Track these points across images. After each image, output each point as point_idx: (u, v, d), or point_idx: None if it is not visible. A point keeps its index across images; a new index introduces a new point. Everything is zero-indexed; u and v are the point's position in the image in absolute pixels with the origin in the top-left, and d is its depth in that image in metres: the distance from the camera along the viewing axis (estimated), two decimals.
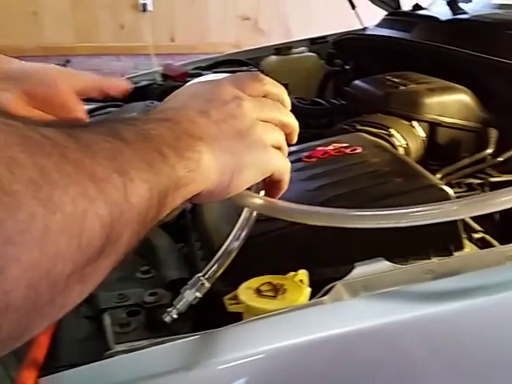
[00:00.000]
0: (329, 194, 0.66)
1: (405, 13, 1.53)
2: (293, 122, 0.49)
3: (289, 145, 0.50)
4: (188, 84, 0.48)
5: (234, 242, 0.51)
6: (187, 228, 0.76)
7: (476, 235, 0.69)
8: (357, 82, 1.12)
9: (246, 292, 0.55)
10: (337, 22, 2.62)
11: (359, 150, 0.77)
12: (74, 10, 3.57)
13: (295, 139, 0.50)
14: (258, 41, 3.47)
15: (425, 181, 0.67)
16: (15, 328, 0.25)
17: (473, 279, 0.55)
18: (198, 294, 0.52)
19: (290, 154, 0.80)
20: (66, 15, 3.58)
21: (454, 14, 1.31)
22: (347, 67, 1.48)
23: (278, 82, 0.51)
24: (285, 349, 0.49)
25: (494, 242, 0.69)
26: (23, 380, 0.46)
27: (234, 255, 0.51)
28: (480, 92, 1.00)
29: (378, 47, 1.39)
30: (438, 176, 0.83)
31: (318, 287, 0.56)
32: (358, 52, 1.46)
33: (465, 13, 1.30)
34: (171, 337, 0.51)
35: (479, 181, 0.87)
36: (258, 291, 0.55)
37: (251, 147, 0.43)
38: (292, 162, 0.76)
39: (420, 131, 0.95)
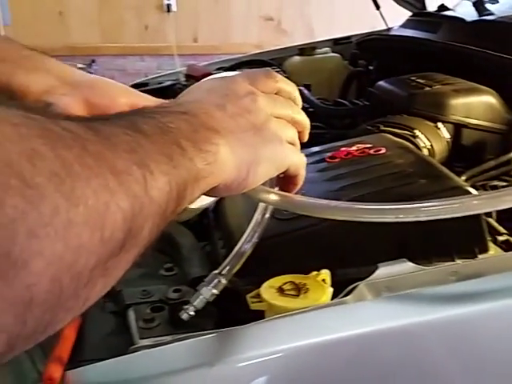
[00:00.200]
0: (352, 194, 0.66)
1: (430, 13, 1.52)
2: (304, 120, 0.49)
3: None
4: (203, 80, 0.48)
5: (250, 237, 0.51)
6: (210, 227, 0.77)
7: (501, 238, 0.68)
8: (381, 82, 1.11)
9: (268, 290, 0.55)
10: (360, 22, 2.62)
11: (383, 150, 0.76)
12: (99, 10, 3.62)
13: (306, 137, 0.50)
14: (281, 41, 3.47)
15: (450, 182, 0.67)
16: (39, 322, 0.25)
17: (496, 282, 0.54)
18: (215, 291, 0.52)
19: (313, 154, 0.81)
20: (92, 16, 3.62)
21: (480, 14, 1.30)
22: (371, 68, 1.48)
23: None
24: (306, 348, 0.49)
25: None
26: (50, 373, 0.47)
27: (250, 251, 0.51)
28: (506, 93, 0.99)
29: (402, 48, 1.38)
30: (463, 178, 0.83)
31: (341, 287, 0.56)
32: (382, 52, 1.45)
33: (491, 14, 1.29)
34: (194, 333, 0.51)
35: (504, 183, 0.86)
36: (281, 290, 0.55)
37: (267, 142, 0.43)
38: (315, 163, 0.78)
39: (445, 132, 0.94)
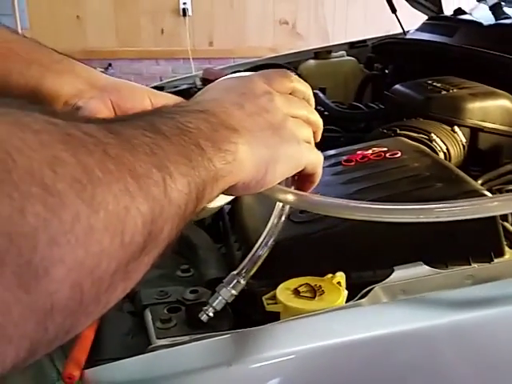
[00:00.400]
0: (368, 197, 0.66)
1: (446, 17, 1.51)
2: (318, 120, 0.49)
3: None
4: (219, 80, 0.48)
5: (267, 238, 0.51)
6: (226, 229, 0.77)
7: None
8: (397, 86, 1.11)
9: (284, 292, 0.55)
10: (375, 26, 2.61)
11: (399, 154, 0.76)
12: (116, 14, 3.65)
13: (319, 138, 0.51)
14: (296, 45, 3.48)
15: (466, 186, 0.66)
16: (61, 328, 0.25)
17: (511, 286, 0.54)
18: (234, 292, 0.52)
19: (329, 157, 0.81)
20: (109, 20, 3.66)
21: (497, 18, 1.29)
22: (386, 71, 1.48)
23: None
24: (320, 350, 0.50)
25: None
26: (70, 371, 0.48)
27: (268, 252, 0.51)
28: None
29: (418, 51, 1.38)
30: (479, 182, 0.82)
31: (356, 290, 0.56)
32: (398, 56, 1.45)
33: (508, 17, 1.28)
34: (210, 333, 0.52)
35: None
36: (297, 292, 0.55)
37: (284, 141, 0.43)
38: (331, 166, 0.78)
39: (461, 136, 0.94)
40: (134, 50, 3.68)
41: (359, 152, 0.79)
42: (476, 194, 0.65)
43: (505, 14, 1.30)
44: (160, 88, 1.53)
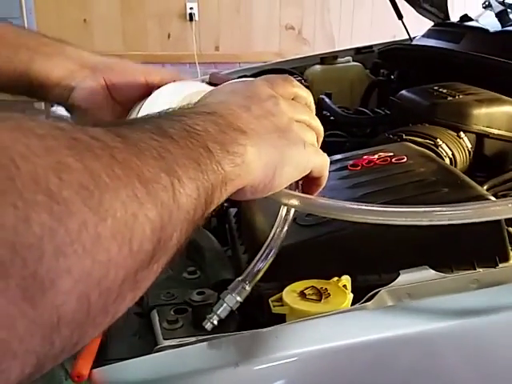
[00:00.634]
0: (374, 202, 0.66)
1: (452, 24, 1.52)
2: (320, 126, 0.49)
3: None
4: (224, 84, 0.48)
5: (273, 243, 0.52)
6: (232, 231, 0.78)
7: None
8: (403, 92, 1.12)
9: (290, 295, 0.56)
10: (381, 31, 2.62)
11: (405, 159, 0.77)
12: (123, 19, 3.67)
13: (319, 144, 0.50)
14: (302, 50, 3.49)
15: (472, 191, 0.67)
16: (68, 341, 0.24)
17: None
18: (239, 299, 0.52)
19: (336, 161, 0.82)
20: (116, 24, 3.68)
21: (504, 25, 1.30)
22: (392, 77, 1.48)
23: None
24: (326, 352, 0.50)
25: None
26: (79, 370, 0.49)
27: (273, 257, 0.51)
28: None
29: (424, 57, 1.38)
30: (485, 187, 0.83)
31: (362, 294, 0.56)
32: (404, 62, 1.46)
33: None
34: (217, 334, 0.52)
35: None
36: (303, 294, 0.56)
37: (291, 144, 0.43)
38: (337, 170, 0.78)
39: (467, 142, 0.95)
40: (140, 54, 3.70)
41: (365, 157, 0.80)
42: (481, 199, 0.65)
43: (511, 20, 1.30)
44: None
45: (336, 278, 0.58)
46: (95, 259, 0.24)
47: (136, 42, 3.71)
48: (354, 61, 1.63)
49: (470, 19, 1.49)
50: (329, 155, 0.50)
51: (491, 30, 1.27)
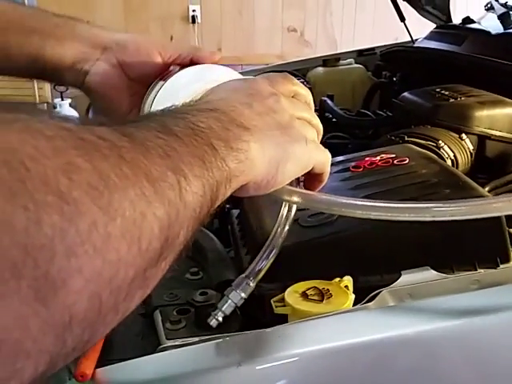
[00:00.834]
0: None
1: (455, 26, 1.52)
2: (319, 124, 0.50)
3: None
4: (224, 82, 0.48)
5: (275, 239, 0.52)
6: (234, 233, 0.78)
7: None
8: (406, 94, 1.12)
9: (292, 295, 0.56)
10: (383, 34, 2.62)
11: (407, 160, 0.77)
12: (126, 20, 3.68)
13: (319, 141, 0.50)
14: (304, 52, 3.50)
15: (474, 193, 0.67)
16: (80, 340, 0.24)
17: None
18: (244, 295, 0.52)
19: (338, 163, 0.82)
20: (119, 26, 3.68)
21: (506, 27, 1.30)
22: (394, 79, 1.49)
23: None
24: (328, 352, 0.50)
25: None
26: (83, 369, 0.49)
27: (276, 253, 0.52)
28: None
29: (426, 60, 1.39)
30: (486, 189, 0.83)
31: (364, 294, 0.57)
32: (406, 64, 1.46)
33: None
34: (219, 335, 0.53)
35: None
36: (305, 295, 0.56)
37: (293, 140, 0.43)
38: (339, 172, 0.79)
39: (469, 144, 0.95)
40: None
41: (367, 158, 0.80)
42: None
43: None
44: None
45: (338, 279, 0.58)
46: (106, 258, 0.24)
47: None
48: (356, 63, 1.64)
49: (472, 21, 1.50)
50: (332, 157, 0.50)
51: (493, 32, 1.27)
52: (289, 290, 0.57)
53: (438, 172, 0.72)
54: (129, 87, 0.58)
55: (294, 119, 0.45)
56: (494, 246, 0.62)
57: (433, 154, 0.85)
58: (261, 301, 0.59)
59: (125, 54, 0.57)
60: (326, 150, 0.48)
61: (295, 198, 0.46)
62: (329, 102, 1.33)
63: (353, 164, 0.79)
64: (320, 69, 1.60)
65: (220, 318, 0.52)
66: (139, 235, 0.26)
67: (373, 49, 1.70)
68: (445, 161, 0.88)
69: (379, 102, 1.50)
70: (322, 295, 0.56)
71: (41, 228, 0.22)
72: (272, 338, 0.51)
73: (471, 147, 0.95)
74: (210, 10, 3.73)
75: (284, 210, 0.52)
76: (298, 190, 0.47)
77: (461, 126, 0.96)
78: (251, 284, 0.52)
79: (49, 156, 0.23)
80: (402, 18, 1.61)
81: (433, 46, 1.41)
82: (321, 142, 0.49)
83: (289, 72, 1.59)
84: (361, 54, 1.70)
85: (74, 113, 2.14)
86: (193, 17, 3.70)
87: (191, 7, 3.69)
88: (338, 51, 1.82)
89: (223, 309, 0.52)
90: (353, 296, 0.56)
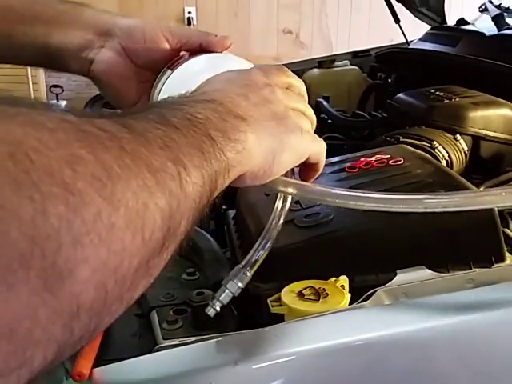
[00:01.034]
0: None
1: (449, 27, 1.53)
2: (313, 115, 0.50)
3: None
4: (219, 73, 0.48)
5: (271, 231, 0.52)
6: (230, 233, 0.78)
7: None
8: (400, 95, 1.13)
9: (288, 295, 0.56)
10: (378, 35, 2.63)
11: (401, 161, 0.78)
12: None
13: (313, 131, 0.51)
14: (300, 54, 3.51)
15: None
16: (86, 329, 0.25)
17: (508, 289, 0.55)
18: (241, 285, 0.52)
19: (333, 164, 0.82)
20: None
21: (500, 29, 1.31)
22: (389, 80, 1.49)
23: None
24: (324, 350, 0.50)
25: None
26: (80, 369, 0.49)
27: (272, 243, 0.52)
28: None
29: (421, 61, 1.39)
30: (481, 189, 0.83)
31: (359, 294, 0.57)
32: (401, 65, 1.47)
33: (510, 28, 1.30)
34: (216, 334, 0.53)
35: None
36: (301, 294, 0.56)
37: (289, 131, 0.44)
38: (335, 172, 0.79)
39: (463, 144, 0.96)
40: None
41: (363, 159, 0.80)
42: None
43: (507, 24, 1.32)
44: None
45: (334, 279, 0.58)
46: (111, 248, 0.24)
47: None
48: (351, 64, 1.64)
49: (467, 23, 1.51)
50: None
51: (487, 33, 1.28)
52: (285, 289, 0.57)
53: (433, 172, 0.73)
54: (136, 74, 0.57)
55: (289, 110, 0.46)
56: (489, 246, 0.62)
57: (427, 155, 0.85)
58: (257, 301, 0.59)
59: (130, 41, 0.56)
60: (321, 140, 0.48)
61: (290, 189, 0.47)
62: (324, 103, 1.33)
63: (348, 164, 0.80)
64: (315, 70, 1.61)
65: (218, 308, 0.53)
66: (142, 225, 0.26)
67: (368, 50, 1.71)
68: (439, 161, 0.89)
69: (374, 104, 1.50)
70: (318, 295, 0.56)
71: (47, 219, 0.22)
72: (268, 337, 0.51)
73: (466, 148, 0.96)
74: (205, 12, 3.73)
75: (279, 202, 0.52)
76: (293, 180, 0.48)
77: (455, 126, 0.97)
78: (248, 274, 0.52)
79: (52, 148, 0.23)
80: (397, 20, 1.61)
81: (427, 48, 1.42)
82: None
83: None
84: (356, 56, 1.71)
85: None
86: (188, 18, 3.70)
87: (187, 9, 3.69)
88: (334, 53, 1.82)
89: (221, 298, 0.52)
90: (349, 295, 0.57)
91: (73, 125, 0.26)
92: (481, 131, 0.97)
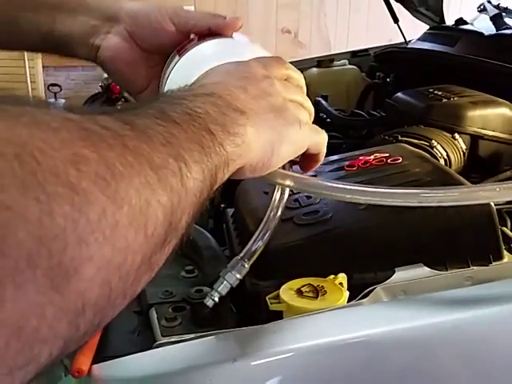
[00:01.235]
0: None
1: (448, 27, 1.53)
2: (311, 106, 0.50)
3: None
4: (217, 65, 0.47)
5: (269, 222, 0.52)
6: (229, 231, 0.78)
7: None
8: (399, 94, 1.13)
9: (287, 292, 0.57)
10: (377, 35, 2.63)
11: (400, 160, 0.78)
12: None
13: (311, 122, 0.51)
14: (298, 54, 3.51)
15: None
16: (91, 324, 0.25)
17: (507, 286, 0.56)
18: (239, 276, 0.52)
19: (332, 162, 0.82)
20: None
21: (498, 28, 1.31)
22: (388, 80, 1.50)
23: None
24: (322, 347, 0.51)
25: None
26: (79, 365, 0.49)
27: (270, 235, 0.52)
28: None
29: (419, 61, 1.40)
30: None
31: (358, 291, 0.57)
32: (400, 65, 1.47)
33: (509, 27, 1.30)
34: (215, 331, 0.53)
35: None
36: (300, 292, 0.57)
37: (288, 123, 0.44)
38: (334, 171, 0.79)
39: (461, 143, 0.96)
40: None
41: (361, 157, 0.81)
42: None
43: (505, 24, 1.32)
44: None
45: (332, 276, 0.58)
46: (115, 246, 0.25)
47: None
48: (350, 64, 1.65)
49: (465, 23, 1.51)
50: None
51: (486, 33, 1.28)
52: (284, 287, 0.57)
53: (431, 171, 0.73)
54: (145, 59, 0.57)
55: (288, 102, 0.46)
56: (487, 244, 0.63)
57: (426, 154, 0.85)
58: (256, 298, 0.59)
59: (135, 25, 0.55)
60: (322, 131, 0.49)
61: (288, 182, 0.47)
62: (323, 102, 1.33)
63: (347, 163, 0.80)
64: (314, 70, 1.61)
65: (216, 299, 0.53)
66: (145, 222, 0.27)
67: (366, 50, 1.72)
68: (438, 160, 0.89)
69: (373, 103, 1.51)
70: (317, 292, 0.56)
71: (53, 219, 0.22)
72: (267, 333, 0.51)
73: (464, 147, 0.96)
74: (204, 11, 3.73)
75: (277, 194, 0.52)
76: (291, 173, 0.48)
77: (454, 125, 0.97)
78: (246, 265, 0.52)
79: (57, 148, 0.24)
80: (396, 20, 1.62)
81: (426, 47, 1.42)
82: None
83: None
84: (355, 55, 1.71)
85: None
86: None
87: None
88: (332, 52, 1.82)
89: (219, 289, 0.53)
90: (347, 293, 0.57)
91: (75, 123, 0.26)
92: (479, 130, 0.97)
